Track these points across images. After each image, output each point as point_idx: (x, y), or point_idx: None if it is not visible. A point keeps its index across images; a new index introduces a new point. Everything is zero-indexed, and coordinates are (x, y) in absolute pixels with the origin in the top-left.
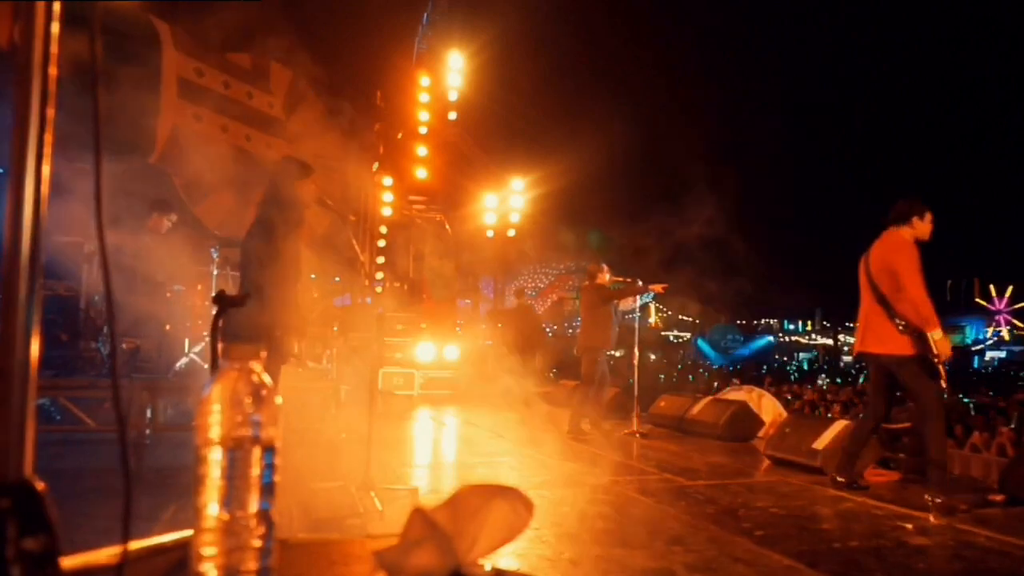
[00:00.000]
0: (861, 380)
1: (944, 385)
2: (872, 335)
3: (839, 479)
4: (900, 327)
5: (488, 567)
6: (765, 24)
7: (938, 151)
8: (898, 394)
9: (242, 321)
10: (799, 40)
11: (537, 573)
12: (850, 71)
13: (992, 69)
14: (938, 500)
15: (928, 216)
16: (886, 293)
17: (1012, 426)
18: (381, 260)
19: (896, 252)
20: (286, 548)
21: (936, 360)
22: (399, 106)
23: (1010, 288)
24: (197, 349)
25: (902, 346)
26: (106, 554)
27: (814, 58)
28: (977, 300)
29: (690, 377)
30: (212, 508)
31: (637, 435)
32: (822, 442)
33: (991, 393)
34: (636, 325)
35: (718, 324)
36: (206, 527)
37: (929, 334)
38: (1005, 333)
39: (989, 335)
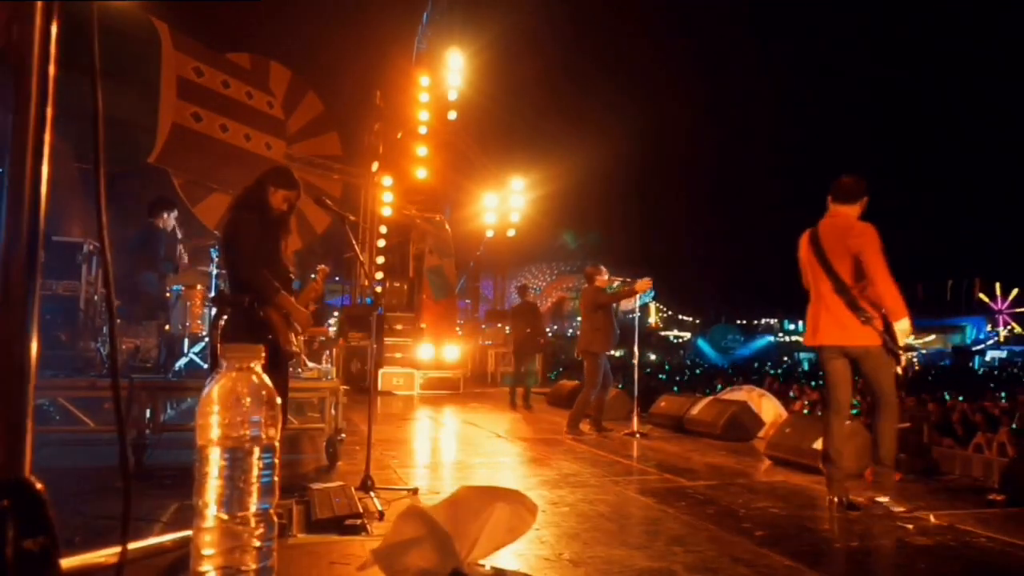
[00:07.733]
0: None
1: (900, 374)
2: (836, 325)
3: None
4: (863, 319)
5: (488, 567)
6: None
7: (938, 150)
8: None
9: (242, 321)
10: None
11: (537, 573)
12: (848, 69)
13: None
14: (881, 499)
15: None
16: (848, 281)
17: (1013, 426)
18: (381, 260)
19: (859, 236)
20: (286, 548)
21: (898, 349)
22: (399, 106)
23: (1015, 291)
24: (197, 349)
25: (869, 336)
26: (106, 554)
27: (813, 57)
28: (979, 295)
29: (682, 380)
30: (212, 508)
31: (637, 435)
32: (822, 442)
33: (1003, 396)
34: (636, 325)
35: (718, 324)
36: (206, 527)
37: (895, 324)
38: (1002, 335)
39: (987, 332)
